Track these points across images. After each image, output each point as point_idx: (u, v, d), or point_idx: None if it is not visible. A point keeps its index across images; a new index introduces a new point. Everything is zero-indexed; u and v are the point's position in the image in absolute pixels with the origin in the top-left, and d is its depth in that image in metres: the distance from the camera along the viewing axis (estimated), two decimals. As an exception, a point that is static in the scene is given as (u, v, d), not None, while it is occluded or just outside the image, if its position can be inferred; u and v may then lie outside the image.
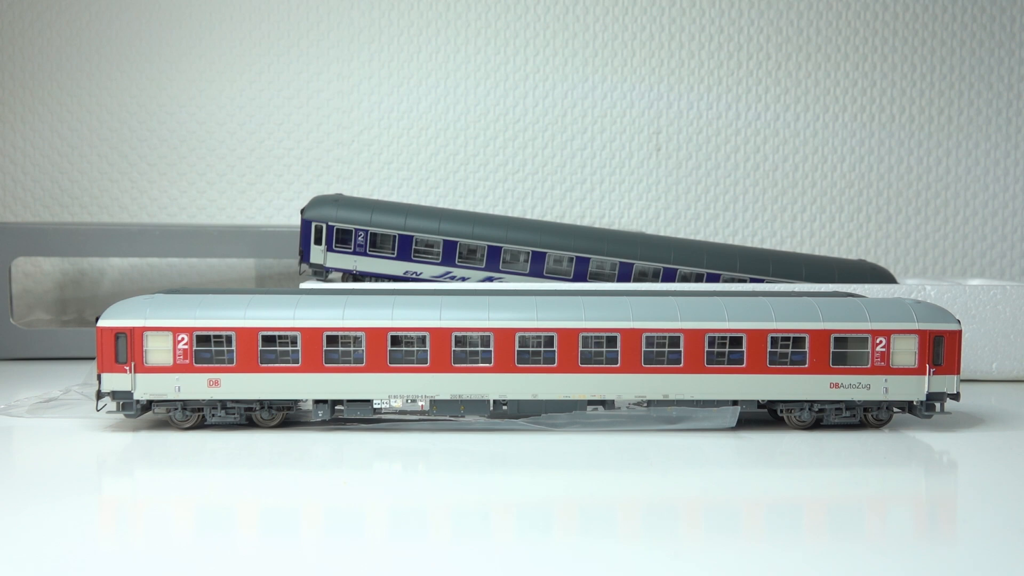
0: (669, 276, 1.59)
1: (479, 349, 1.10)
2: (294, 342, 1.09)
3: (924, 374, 1.12)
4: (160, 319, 1.09)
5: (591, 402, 1.12)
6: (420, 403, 1.11)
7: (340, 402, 1.11)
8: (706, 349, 1.11)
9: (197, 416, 1.10)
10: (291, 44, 1.99)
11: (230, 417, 1.10)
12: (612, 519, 0.82)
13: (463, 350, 1.10)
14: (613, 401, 1.12)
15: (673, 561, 0.70)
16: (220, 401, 1.10)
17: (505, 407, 1.12)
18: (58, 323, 1.94)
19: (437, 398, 1.11)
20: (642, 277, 1.59)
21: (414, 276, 1.58)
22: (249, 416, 1.11)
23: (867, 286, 1.47)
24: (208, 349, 1.09)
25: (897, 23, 2.07)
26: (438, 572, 0.68)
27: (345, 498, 0.86)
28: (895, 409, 1.13)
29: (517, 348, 1.10)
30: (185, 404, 1.10)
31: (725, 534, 0.78)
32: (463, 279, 1.58)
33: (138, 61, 1.96)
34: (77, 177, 1.97)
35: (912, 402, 1.12)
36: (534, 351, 1.11)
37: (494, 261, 1.58)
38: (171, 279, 1.97)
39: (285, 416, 1.13)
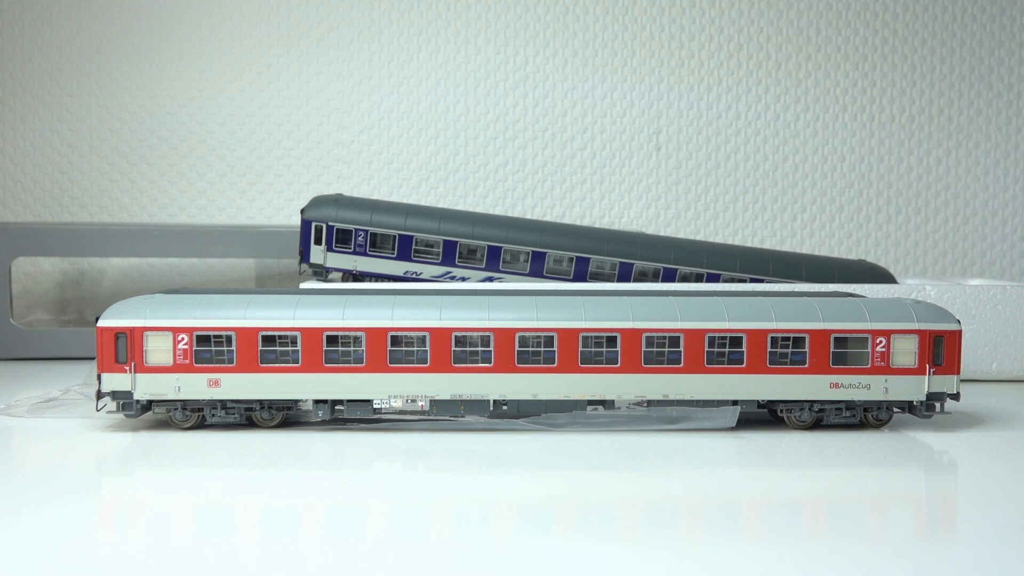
0: (669, 276, 1.59)
1: (479, 349, 1.10)
2: (294, 342, 1.09)
3: (924, 374, 1.11)
4: (160, 319, 1.09)
5: (591, 402, 1.12)
6: (420, 403, 1.11)
7: (340, 402, 1.11)
8: (706, 349, 1.11)
9: (197, 416, 1.10)
10: (291, 44, 1.99)
11: (230, 417, 1.10)
12: (612, 519, 0.82)
13: (463, 350, 1.10)
14: (613, 401, 1.12)
15: (673, 561, 0.70)
16: (220, 401, 1.10)
17: (505, 407, 1.12)
18: (58, 323, 1.94)
19: (437, 398, 1.11)
20: (642, 277, 1.59)
21: (414, 276, 1.58)
22: (249, 416, 1.11)
23: (867, 286, 1.47)
24: (208, 349, 1.09)
25: (897, 23, 2.07)
26: (438, 572, 0.67)
27: (345, 498, 0.86)
28: (895, 409, 1.13)
29: (517, 348, 1.10)
30: (185, 404, 1.10)
31: (725, 534, 0.78)
32: (463, 279, 1.58)
33: (138, 61, 1.96)
34: (77, 177, 1.97)
35: (912, 402, 1.12)
36: (534, 351, 1.11)
37: (494, 261, 1.58)
38: (171, 279, 1.97)
39: (285, 416, 1.13)
